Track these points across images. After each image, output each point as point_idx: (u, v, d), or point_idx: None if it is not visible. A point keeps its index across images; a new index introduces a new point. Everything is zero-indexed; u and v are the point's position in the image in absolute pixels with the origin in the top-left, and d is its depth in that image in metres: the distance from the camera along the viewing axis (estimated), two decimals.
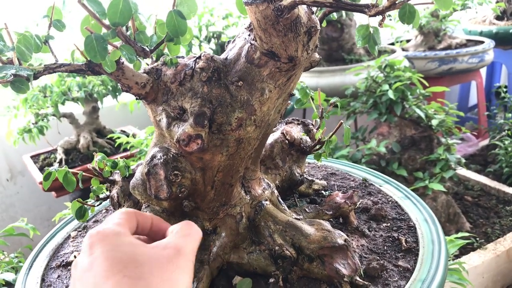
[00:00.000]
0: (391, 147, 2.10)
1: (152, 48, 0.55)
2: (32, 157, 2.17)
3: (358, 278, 0.66)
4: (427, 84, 2.10)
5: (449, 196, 2.16)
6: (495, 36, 3.26)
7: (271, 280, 0.68)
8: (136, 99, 0.64)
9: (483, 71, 3.81)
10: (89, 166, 0.80)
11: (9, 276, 1.34)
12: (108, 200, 0.82)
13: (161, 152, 0.64)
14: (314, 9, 0.61)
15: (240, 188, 0.71)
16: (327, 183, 0.95)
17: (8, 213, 2.34)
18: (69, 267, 0.80)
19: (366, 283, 0.66)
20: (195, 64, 0.62)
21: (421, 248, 0.74)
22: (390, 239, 0.78)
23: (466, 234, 1.47)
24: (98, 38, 0.49)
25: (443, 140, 2.09)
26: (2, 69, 0.51)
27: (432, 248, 0.73)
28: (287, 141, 0.82)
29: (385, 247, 0.76)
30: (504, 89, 2.95)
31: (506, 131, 2.67)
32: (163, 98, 0.64)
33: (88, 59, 0.57)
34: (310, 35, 0.59)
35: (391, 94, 1.99)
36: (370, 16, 0.50)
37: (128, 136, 2.01)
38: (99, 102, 2.11)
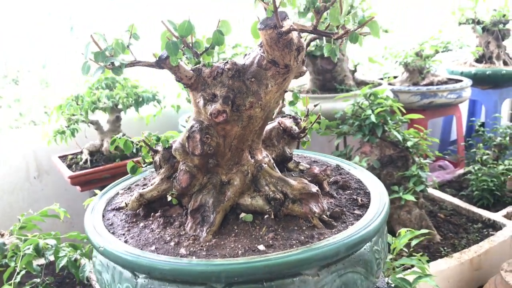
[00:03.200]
0: (372, 163, 2.43)
1: (200, 52, 0.89)
2: (60, 157, 2.49)
3: (325, 216, 0.98)
4: (404, 112, 2.45)
5: (422, 210, 2.48)
6: (474, 76, 3.64)
7: (266, 216, 1.00)
8: (184, 87, 0.97)
9: (465, 108, 4.19)
10: (140, 138, 1.12)
11: (51, 242, 1.65)
12: (152, 165, 1.14)
13: (197, 123, 0.98)
14: (303, 35, 0.95)
15: (248, 153, 1.05)
16: (310, 166, 1.28)
17: (33, 208, 2.63)
18: (120, 210, 1.11)
19: (330, 219, 0.98)
20: (224, 66, 0.95)
21: (372, 204, 1.06)
22: (351, 199, 1.10)
23: (427, 231, 1.78)
24: (173, 43, 0.82)
25: (417, 160, 2.42)
26: (110, 60, 0.85)
27: (378, 204, 1.05)
28: (281, 128, 1.16)
29: (347, 204, 1.08)
30: (479, 124, 3.30)
31: (477, 158, 3.01)
32: (201, 87, 0.97)
33: (157, 58, 0.91)
34: (299, 51, 0.93)
35: (373, 118, 2.33)
36: (334, 39, 0.84)
37: None
38: (122, 113, 2.45)
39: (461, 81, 3.46)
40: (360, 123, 2.46)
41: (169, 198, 1.05)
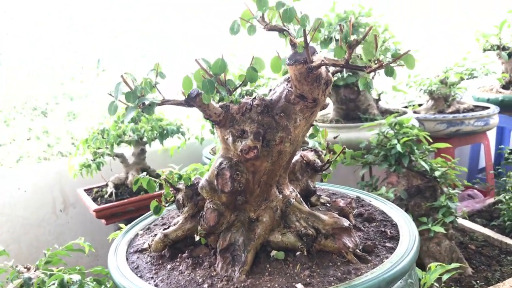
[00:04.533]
0: (399, 194, 2.38)
1: (233, 89, 0.89)
2: (85, 190, 2.51)
3: (358, 251, 0.96)
4: (431, 141, 2.41)
5: (452, 242, 2.40)
6: (500, 103, 3.57)
7: (298, 253, 0.97)
8: (212, 124, 0.97)
9: (493, 135, 4.11)
10: (162, 177, 1.12)
11: (76, 277, 1.64)
12: (174, 203, 1.14)
13: (226, 160, 0.97)
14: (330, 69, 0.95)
15: (276, 189, 1.03)
16: (330, 199, 1.25)
17: (58, 240, 2.65)
18: (144, 252, 1.10)
19: (364, 254, 0.95)
20: (252, 102, 0.95)
21: (401, 236, 1.03)
22: (379, 231, 1.08)
23: (458, 265, 1.72)
24: (209, 81, 0.83)
25: (445, 190, 2.36)
26: (142, 100, 0.86)
27: (409, 236, 1.02)
28: (304, 162, 1.15)
29: (376, 236, 1.06)
30: (508, 151, 3.22)
31: (508, 187, 2.92)
32: (229, 124, 0.97)
33: (186, 96, 0.91)
34: (327, 85, 0.92)
35: (399, 148, 2.30)
36: (367, 72, 0.83)
37: None
38: (147, 145, 2.46)
39: (488, 108, 3.40)
40: (385, 153, 2.43)
41: (197, 238, 1.03)
